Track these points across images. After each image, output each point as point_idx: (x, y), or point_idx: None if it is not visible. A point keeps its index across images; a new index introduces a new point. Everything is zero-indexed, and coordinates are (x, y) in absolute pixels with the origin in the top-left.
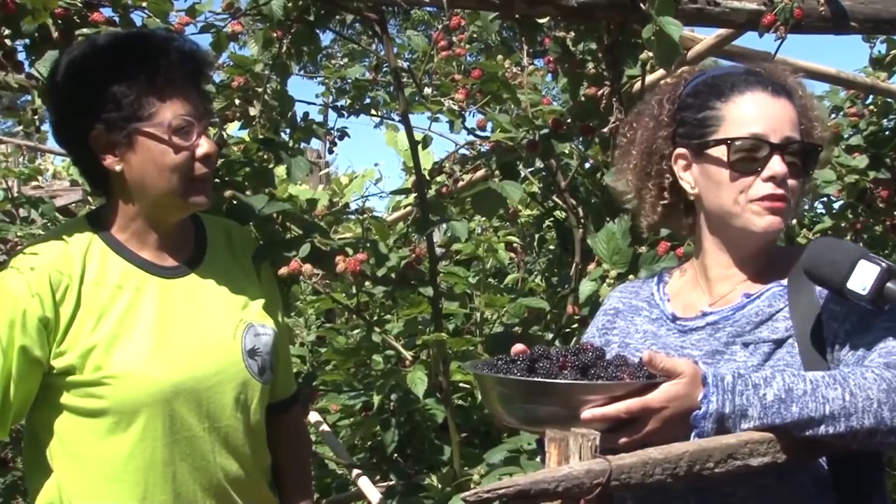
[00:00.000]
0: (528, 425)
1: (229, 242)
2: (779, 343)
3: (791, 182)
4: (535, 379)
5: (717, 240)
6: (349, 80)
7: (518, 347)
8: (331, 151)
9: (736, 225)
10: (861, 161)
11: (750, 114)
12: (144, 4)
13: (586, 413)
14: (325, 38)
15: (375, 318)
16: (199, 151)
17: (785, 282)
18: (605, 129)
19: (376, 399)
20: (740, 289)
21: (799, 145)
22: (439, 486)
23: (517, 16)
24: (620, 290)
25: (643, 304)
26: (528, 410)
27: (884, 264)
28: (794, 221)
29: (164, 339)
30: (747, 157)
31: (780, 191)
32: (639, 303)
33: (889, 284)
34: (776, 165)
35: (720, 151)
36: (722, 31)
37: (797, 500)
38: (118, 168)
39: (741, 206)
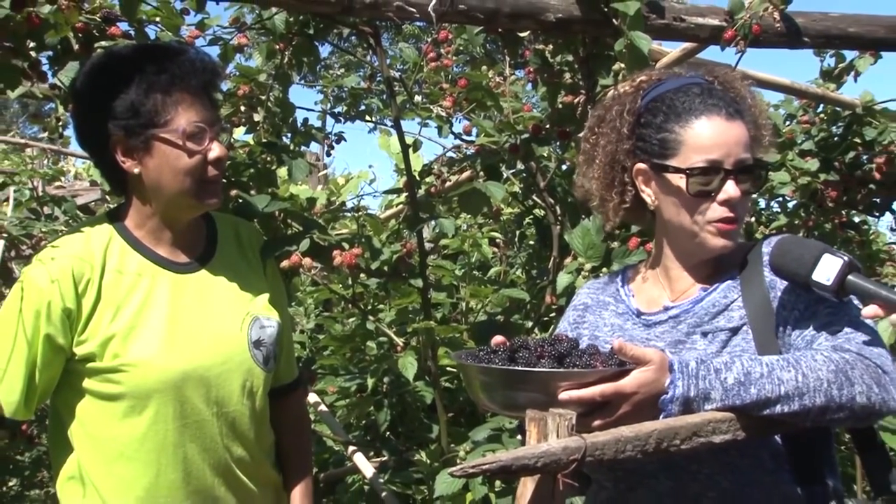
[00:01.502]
0: (508, 410)
1: (238, 239)
2: (734, 331)
3: (745, 200)
4: (516, 368)
5: (675, 246)
6: (346, 89)
7: (497, 339)
8: (329, 154)
9: (693, 240)
10: (812, 164)
11: (706, 140)
12: (158, 19)
13: (563, 395)
14: (324, 50)
15: (369, 307)
16: (211, 155)
17: (738, 274)
18: (581, 134)
19: (370, 382)
20: (698, 284)
21: (752, 165)
22: (428, 461)
23: (500, 30)
24: (588, 287)
25: (610, 300)
26: (509, 397)
27: (845, 258)
28: (753, 219)
29: (176, 330)
30: (704, 182)
31: (733, 214)
32: (606, 298)
33: (850, 276)
34: (730, 189)
35: (678, 177)
36: (687, 45)
37: (757, 474)
38: (136, 171)
39: (699, 226)
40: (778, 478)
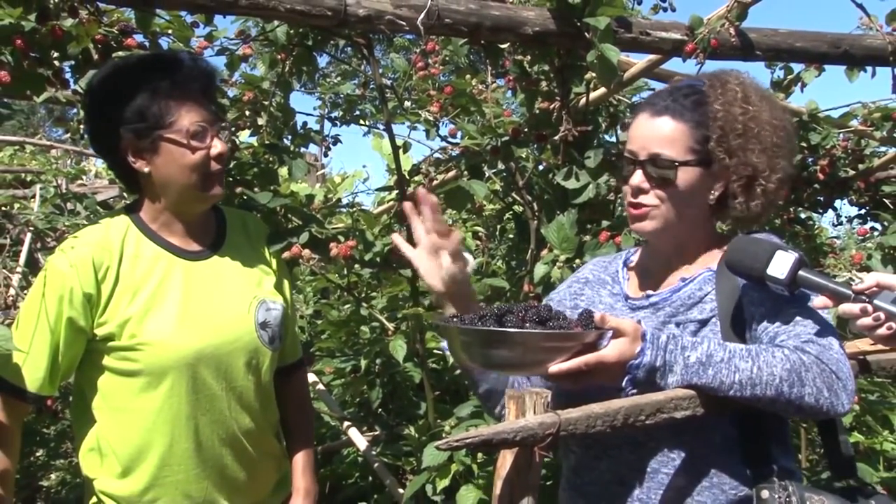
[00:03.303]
0: (489, 368)
1: (246, 231)
2: (703, 322)
3: (658, 192)
4: (500, 328)
5: None
6: (341, 95)
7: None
8: (326, 155)
9: None
10: None
11: (631, 132)
12: (170, 31)
13: (553, 368)
14: (322, 60)
15: (363, 295)
16: (214, 151)
17: (714, 266)
18: (556, 137)
19: (363, 363)
20: (678, 273)
21: (663, 161)
22: (416, 435)
23: (483, 42)
24: (594, 264)
25: (608, 279)
26: (486, 356)
27: (797, 254)
28: None
29: (189, 312)
30: (627, 170)
31: (635, 199)
32: (606, 277)
33: (801, 271)
34: (635, 178)
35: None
36: (652, 57)
37: (709, 454)
38: (146, 170)
39: (625, 208)
40: (728, 458)
